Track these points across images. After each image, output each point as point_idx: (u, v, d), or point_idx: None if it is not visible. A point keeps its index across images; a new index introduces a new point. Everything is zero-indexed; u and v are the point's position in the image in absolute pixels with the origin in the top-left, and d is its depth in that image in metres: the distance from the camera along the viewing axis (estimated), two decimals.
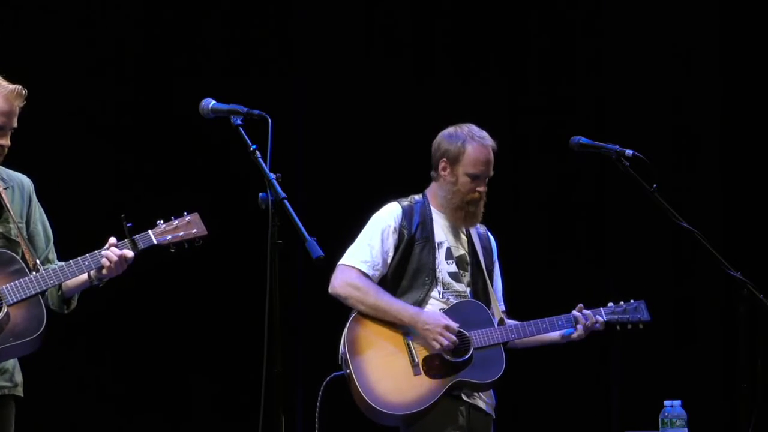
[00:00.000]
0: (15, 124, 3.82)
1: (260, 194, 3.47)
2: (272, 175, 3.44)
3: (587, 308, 4.41)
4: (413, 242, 4.29)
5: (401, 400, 4.13)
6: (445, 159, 4.31)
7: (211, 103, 3.67)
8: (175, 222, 3.87)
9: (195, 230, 3.85)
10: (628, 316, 4.45)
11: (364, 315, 4.21)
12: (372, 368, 4.15)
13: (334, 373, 4.37)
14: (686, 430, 3.91)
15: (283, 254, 3.44)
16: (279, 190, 3.43)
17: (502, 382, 4.26)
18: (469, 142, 4.27)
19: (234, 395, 8.16)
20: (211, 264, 8.21)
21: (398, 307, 4.18)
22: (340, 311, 4.41)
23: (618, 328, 4.45)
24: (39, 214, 4.03)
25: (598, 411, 7.31)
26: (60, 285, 3.88)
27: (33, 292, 3.76)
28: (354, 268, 4.23)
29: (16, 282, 3.74)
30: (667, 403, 3.96)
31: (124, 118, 7.52)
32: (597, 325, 4.37)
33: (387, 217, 4.32)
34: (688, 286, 8.00)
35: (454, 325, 4.16)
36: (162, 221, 3.87)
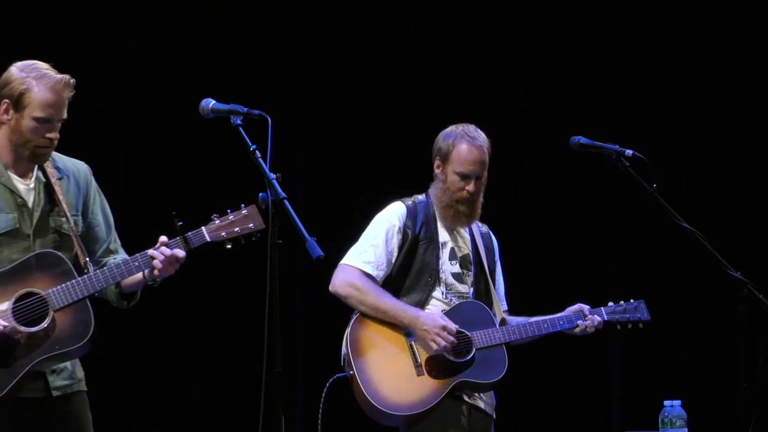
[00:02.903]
0: (64, 116, 3.71)
1: (260, 194, 3.47)
2: (272, 175, 3.44)
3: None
4: (417, 242, 4.29)
5: (404, 400, 4.13)
6: (438, 157, 4.34)
7: (211, 103, 3.67)
8: (231, 216, 3.69)
9: (252, 224, 3.67)
10: (628, 315, 4.46)
11: (365, 315, 4.21)
12: (375, 369, 4.15)
13: (337, 375, 4.37)
14: (686, 430, 3.91)
15: (283, 254, 3.44)
16: (279, 190, 3.43)
17: (503, 381, 4.26)
18: (460, 141, 4.28)
19: (234, 395, 8.16)
20: (211, 264, 8.18)
21: (397, 308, 4.18)
22: (340, 311, 4.41)
23: (618, 327, 4.46)
24: (99, 201, 3.91)
25: (598, 410, 7.31)
26: (119, 282, 3.75)
27: (80, 297, 3.63)
28: (356, 268, 4.23)
29: (63, 286, 3.62)
30: (667, 403, 3.96)
31: (125, 117, 7.53)
32: (597, 324, 4.38)
33: (391, 217, 4.33)
34: (688, 286, 8.00)
35: (453, 327, 4.15)
36: (217, 216, 3.70)
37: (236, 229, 3.66)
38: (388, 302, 4.18)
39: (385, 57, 9.18)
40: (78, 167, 3.89)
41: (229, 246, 3.65)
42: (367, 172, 9.71)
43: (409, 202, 4.37)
